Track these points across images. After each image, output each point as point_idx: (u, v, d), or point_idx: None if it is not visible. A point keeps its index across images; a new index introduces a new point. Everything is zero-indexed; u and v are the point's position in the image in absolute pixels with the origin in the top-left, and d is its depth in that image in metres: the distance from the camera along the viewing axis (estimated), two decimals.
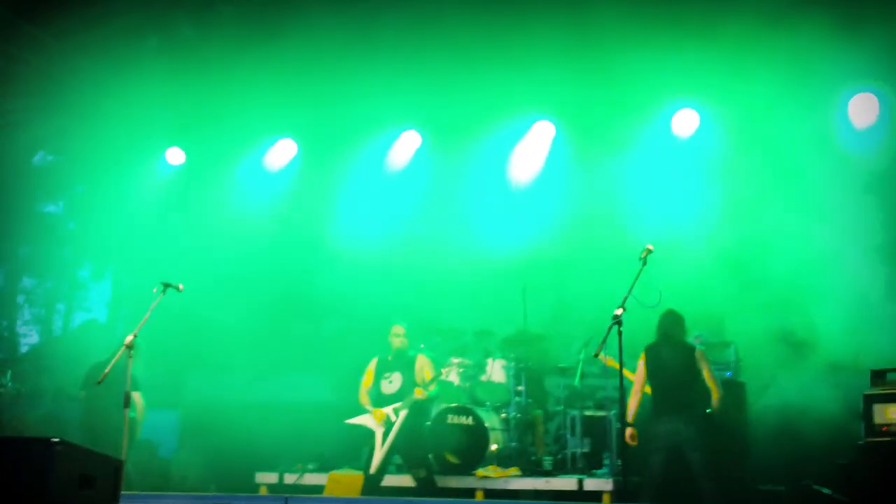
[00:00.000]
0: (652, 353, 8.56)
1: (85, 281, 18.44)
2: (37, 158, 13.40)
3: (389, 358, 9.41)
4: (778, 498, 8.91)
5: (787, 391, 9.50)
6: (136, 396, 9.76)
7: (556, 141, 11.51)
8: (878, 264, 9.46)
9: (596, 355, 7.44)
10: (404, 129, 11.97)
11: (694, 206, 10.49)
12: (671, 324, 8.55)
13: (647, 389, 8.62)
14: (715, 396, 8.33)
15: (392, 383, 9.24)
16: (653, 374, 8.51)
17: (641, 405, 8.66)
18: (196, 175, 12.68)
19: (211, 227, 12.57)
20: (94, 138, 12.06)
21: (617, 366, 8.10)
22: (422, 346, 10.45)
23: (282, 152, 12.47)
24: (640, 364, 8.58)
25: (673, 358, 8.42)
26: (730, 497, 8.22)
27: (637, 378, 8.59)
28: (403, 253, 11.62)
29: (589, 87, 10.52)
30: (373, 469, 8.85)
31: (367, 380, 9.44)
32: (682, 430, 8.16)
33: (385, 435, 8.97)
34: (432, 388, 9.22)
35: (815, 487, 8.87)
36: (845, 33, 8.92)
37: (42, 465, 4.97)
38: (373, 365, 9.50)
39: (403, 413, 9.01)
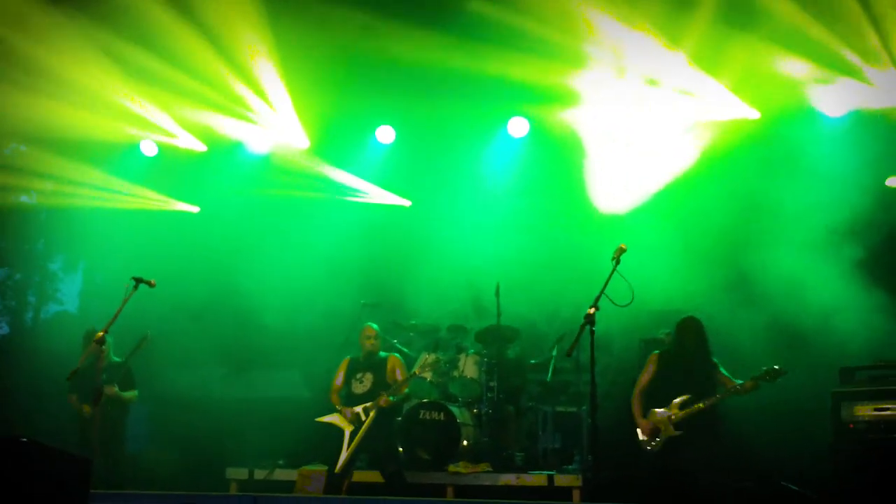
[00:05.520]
0: (665, 359, 8.47)
1: (56, 272, 18.27)
2: (9, 150, 13.25)
3: (361, 359, 9.32)
4: (746, 494, 8.95)
5: (762, 388, 9.57)
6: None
7: (528, 139, 11.53)
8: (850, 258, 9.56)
9: (569, 354, 7.43)
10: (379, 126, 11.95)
11: (668, 201, 10.58)
12: (691, 331, 8.38)
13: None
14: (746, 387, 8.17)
15: (363, 383, 9.12)
16: (665, 381, 8.39)
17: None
18: (170, 165, 12.58)
19: (184, 218, 12.52)
20: (68, 127, 11.92)
21: None
22: (395, 342, 10.45)
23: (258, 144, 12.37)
24: (650, 367, 8.49)
25: (693, 371, 8.29)
26: (703, 493, 8.25)
27: (643, 379, 8.44)
28: (379, 249, 11.60)
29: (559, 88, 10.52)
30: (338, 468, 8.79)
31: (338, 380, 9.33)
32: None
33: (353, 434, 8.92)
34: (404, 389, 9.16)
35: (784, 484, 8.93)
36: None
37: (10, 465, 4.95)
38: (344, 365, 9.37)
39: (373, 413, 8.94)
